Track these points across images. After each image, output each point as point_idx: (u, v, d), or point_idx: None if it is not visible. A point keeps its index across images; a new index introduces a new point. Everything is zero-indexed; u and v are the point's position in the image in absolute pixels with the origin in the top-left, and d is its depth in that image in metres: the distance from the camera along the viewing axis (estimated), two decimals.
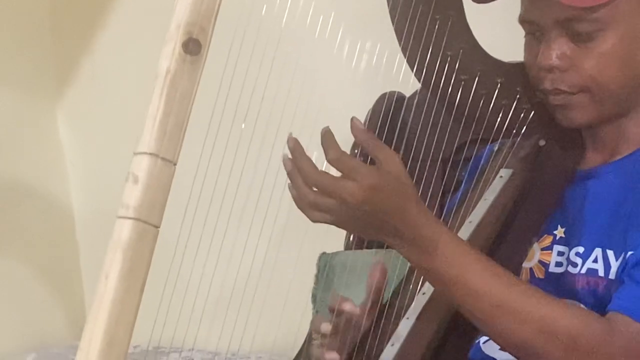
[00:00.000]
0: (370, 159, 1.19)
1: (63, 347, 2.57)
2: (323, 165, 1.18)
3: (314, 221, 1.20)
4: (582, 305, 1.31)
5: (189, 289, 1.38)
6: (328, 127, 1.18)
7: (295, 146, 1.18)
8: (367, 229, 1.21)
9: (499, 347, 1.39)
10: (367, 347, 1.29)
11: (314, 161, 1.18)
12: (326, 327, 1.29)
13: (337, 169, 1.17)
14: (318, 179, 1.17)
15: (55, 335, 2.72)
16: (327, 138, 1.17)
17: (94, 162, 2.82)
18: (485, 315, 1.22)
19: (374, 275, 1.33)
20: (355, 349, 1.29)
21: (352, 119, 1.20)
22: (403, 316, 1.30)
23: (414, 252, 1.21)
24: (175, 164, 0.98)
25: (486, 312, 1.22)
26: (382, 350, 1.27)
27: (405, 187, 1.19)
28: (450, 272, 1.21)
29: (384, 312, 1.32)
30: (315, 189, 1.17)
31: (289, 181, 1.19)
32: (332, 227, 1.21)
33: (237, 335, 1.46)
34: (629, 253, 1.28)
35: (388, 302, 1.33)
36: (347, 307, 1.29)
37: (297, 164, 1.17)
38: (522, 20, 1.38)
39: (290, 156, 1.18)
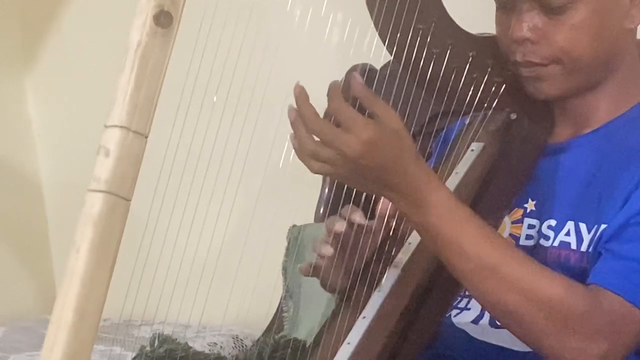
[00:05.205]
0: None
1: (33, 320, 2.55)
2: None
3: (313, 172, 1.19)
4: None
5: (160, 262, 1.38)
6: (337, 80, 1.18)
7: (300, 93, 1.17)
8: (364, 183, 1.21)
9: (470, 320, 1.40)
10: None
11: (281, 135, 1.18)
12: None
13: (337, 118, 1.16)
14: (318, 127, 1.16)
15: (25, 308, 2.71)
16: (333, 90, 1.17)
17: (62, 135, 2.80)
18: (473, 277, 1.22)
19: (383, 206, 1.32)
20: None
21: (352, 74, 1.20)
22: (375, 289, 1.30)
23: (410, 207, 1.20)
24: (146, 137, 0.97)
25: (474, 273, 1.22)
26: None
27: (403, 142, 1.18)
28: (443, 229, 1.20)
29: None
30: (316, 139, 1.17)
31: (291, 131, 1.18)
32: (301, 200, 1.21)
33: (208, 308, 1.46)
34: (603, 226, 1.29)
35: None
36: (356, 217, 1.29)
37: (300, 110, 1.17)
38: None
39: (294, 106, 1.17)
